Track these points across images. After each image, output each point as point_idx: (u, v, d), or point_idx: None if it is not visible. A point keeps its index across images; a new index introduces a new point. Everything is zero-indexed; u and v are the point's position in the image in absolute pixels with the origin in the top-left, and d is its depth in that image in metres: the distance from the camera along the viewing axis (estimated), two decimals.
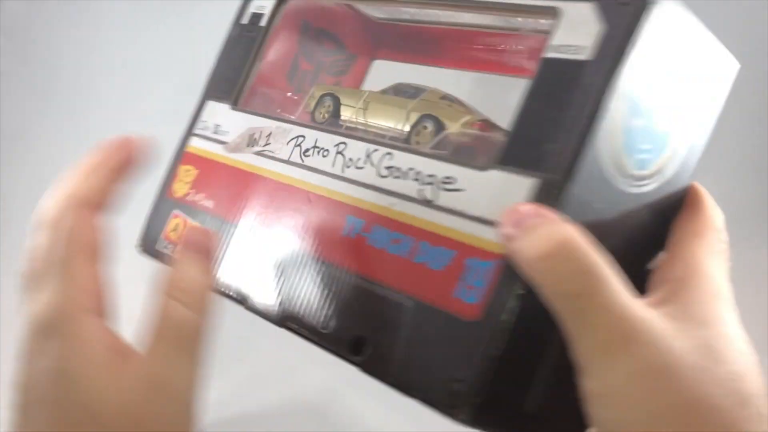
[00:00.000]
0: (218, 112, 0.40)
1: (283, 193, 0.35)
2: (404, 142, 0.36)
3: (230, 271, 0.35)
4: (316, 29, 0.44)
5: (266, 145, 0.37)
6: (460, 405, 0.26)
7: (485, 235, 0.28)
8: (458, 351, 0.26)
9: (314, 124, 0.39)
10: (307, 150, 0.36)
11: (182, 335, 0.29)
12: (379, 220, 0.31)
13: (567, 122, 0.27)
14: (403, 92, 0.40)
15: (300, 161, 0.35)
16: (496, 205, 0.27)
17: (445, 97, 0.38)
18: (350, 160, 0.34)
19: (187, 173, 0.39)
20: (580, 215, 0.27)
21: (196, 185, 0.39)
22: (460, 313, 0.27)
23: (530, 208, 0.26)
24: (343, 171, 0.34)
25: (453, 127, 0.36)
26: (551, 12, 0.29)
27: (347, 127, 0.39)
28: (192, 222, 0.38)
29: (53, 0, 0.91)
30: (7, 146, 0.88)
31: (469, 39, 0.41)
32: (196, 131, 0.40)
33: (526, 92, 0.29)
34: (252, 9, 0.41)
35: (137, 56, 0.89)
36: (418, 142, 0.35)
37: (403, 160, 0.32)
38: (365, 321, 0.30)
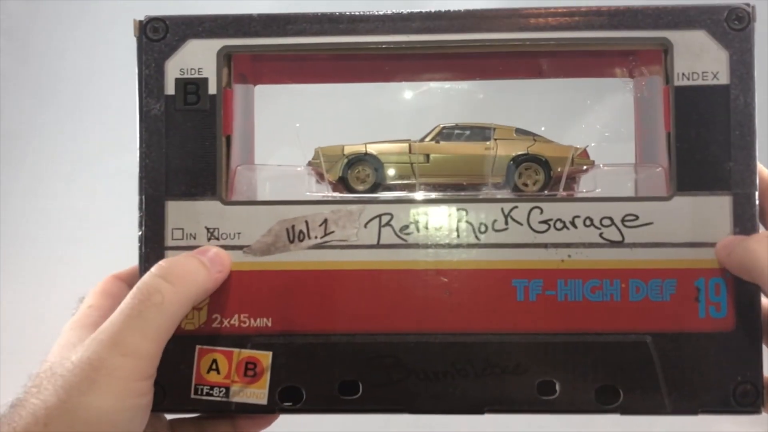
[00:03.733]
0: (200, 213, 0.34)
1: (397, 280, 0.32)
2: (502, 188, 0.36)
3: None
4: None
5: (327, 234, 0.33)
6: (753, 399, 0.29)
7: (701, 256, 0.31)
8: (733, 358, 0.30)
9: (390, 197, 0.35)
10: (405, 227, 0.33)
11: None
12: (561, 274, 0.32)
13: (737, 141, 0.31)
14: (460, 134, 0.38)
15: (401, 241, 0.32)
16: (699, 226, 0.31)
17: (519, 131, 0.38)
18: (483, 225, 0.33)
19: None
20: None
21: (219, 308, 0.33)
22: (717, 328, 0.30)
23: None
24: (477, 238, 0.32)
25: (563, 164, 0.37)
26: (660, 42, 0.33)
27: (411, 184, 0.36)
28: (247, 352, 0.32)
29: (53, 0, 0.91)
30: (7, 146, 0.87)
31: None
32: (171, 244, 0.34)
33: (675, 117, 0.32)
34: (174, 74, 0.35)
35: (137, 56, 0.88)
36: (525, 184, 0.36)
37: (559, 211, 0.33)
38: (602, 371, 0.30)
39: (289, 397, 0.32)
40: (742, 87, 0.32)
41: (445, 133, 0.38)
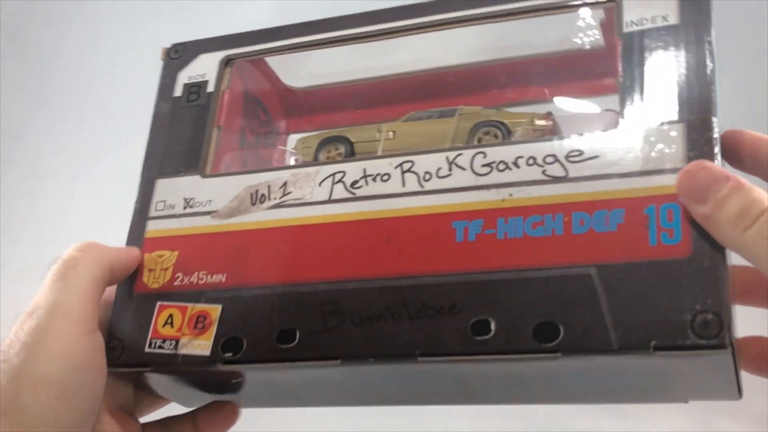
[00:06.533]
0: (182, 187, 0.36)
1: (343, 232, 0.33)
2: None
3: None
4: (253, 99, 0.42)
5: (285, 195, 0.34)
6: (716, 331, 0.26)
7: (652, 184, 0.29)
8: (690, 287, 0.27)
9: (351, 159, 0.37)
10: (355, 182, 0.34)
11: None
12: (501, 213, 0.31)
13: (692, 72, 0.30)
14: (429, 115, 0.39)
15: (350, 195, 0.33)
16: (649, 155, 0.29)
17: (485, 107, 0.38)
18: (427, 173, 0.33)
19: (161, 259, 0.35)
20: None
21: (183, 268, 0.34)
22: (669, 255, 0.27)
23: (707, 174, 0.27)
24: (421, 186, 0.32)
25: (523, 125, 0.37)
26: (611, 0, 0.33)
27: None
28: (200, 306, 0.33)
29: (53, 0, 0.91)
30: (7, 146, 0.88)
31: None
32: (153, 215, 0.36)
33: (623, 60, 0.32)
34: (183, 81, 0.39)
35: (137, 56, 0.89)
36: None
37: (502, 153, 0.32)
38: (542, 308, 0.28)
39: (231, 348, 0.32)
40: (694, 23, 0.31)
41: (415, 116, 0.40)
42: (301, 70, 0.44)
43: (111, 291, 0.35)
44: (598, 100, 0.38)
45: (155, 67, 0.88)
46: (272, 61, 0.42)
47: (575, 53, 0.39)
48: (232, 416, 0.37)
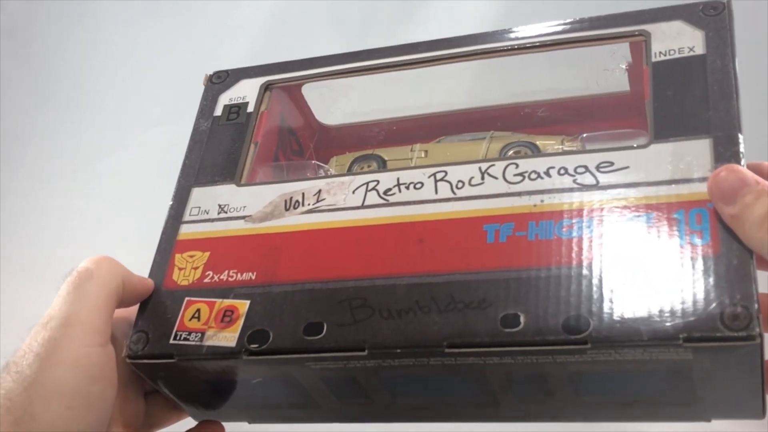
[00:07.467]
0: (217, 194, 0.38)
1: (375, 234, 0.34)
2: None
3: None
4: (288, 128, 0.44)
5: (319, 201, 0.35)
6: (745, 323, 0.27)
7: (681, 191, 0.30)
8: (719, 282, 0.28)
9: (384, 170, 0.38)
10: (388, 190, 0.35)
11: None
12: (532, 217, 0.32)
13: (718, 94, 0.32)
14: (460, 139, 0.40)
15: (383, 201, 0.34)
16: (677, 167, 0.31)
17: (515, 133, 0.40)
18: (460, 182, 0.34)
19: (192, 259, 0.36)
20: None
21: (213, 266, 0.35)
22: (697, 254, 0.29)
23: (737, 177, 0.29)
24: (454, 193, 0.34)
25: (552, 147, 0.38)
26: (640, 35, 0.36)
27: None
28: (228, 301, 0.34)
29: (53, 0, 0.91)
30: (7, 146, 0.88)
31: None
32: (187, 219, 0.38)
33: (652, 85, 0.34)
34: (224, 102, 0.41)
35: (137, 56, 0.89)
36: None
37: (533, 164, 0.33)
38: (572, 302, 0.29)
39: (257, 341, 0.32)
40: (719, 54, 0.33)
41: (446, 140, 0.41)
42: (333, 106, 0.46)
43: (130, 309, 0.35)
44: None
45: (155, 67, 0.88)
46: (308, 97, 0.45)
47: (601, 97, 0.41)
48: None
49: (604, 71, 0.40)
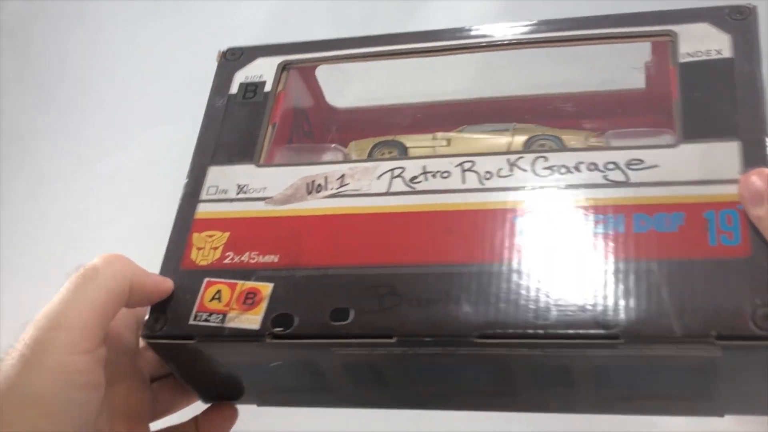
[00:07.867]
0: (236, 174, 0.38)
1: (401, 221, 0.34)
2: None
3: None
4: (300, 109, 0.44)
5: (342, 186, 0.35)
6: None
7: (711, 192, 0.31)
8: (750, 283, 0.28)
9: (410, 157, 0.38)
10: (415, 177, 0.35)
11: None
12: None
13: (746, 98, 0.33)
14: (482, 129, 0.40)
15: (409, 189, 0.34)
16: (707, 168, 0.31)
17: (539, 125, 0.40)
18: (488, 173, 0.34)
19: (211, 239, 0.36)
20: None
21: (234, 247, 0.35)
22: (729, 255, 0.29)
23: (766, 180, 0.29)
24: (482, 183, 0.34)
25: (578, 142, 0.38)
26: (666, 35, 0.36)
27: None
28: (250, 283, 0.34)
29: (53, 0, 0.91)
30: (7, 146, 0.87)
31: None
32: (204, 198, 0.37)
33: (680, 86, 0.34)
34: (239, 80, 0.41)
35: (137, 56, 0.89)
36: None
37: (563, 158, 0.34)
38: (602, 296, 0.29)
39: (281, 325, 0.32)
40: (746, 58, 0.34)
41: (468, 129, 0.41)
42: (345, 89, 0.46)
43: (142, 309, 0.35)
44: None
45: (155, 67, 0.88)
46: (319, 78, 0.44)
47: (612, 94, 0.42)
48: (232, 417, 0.37)
49: (633, 69, 0.41)
